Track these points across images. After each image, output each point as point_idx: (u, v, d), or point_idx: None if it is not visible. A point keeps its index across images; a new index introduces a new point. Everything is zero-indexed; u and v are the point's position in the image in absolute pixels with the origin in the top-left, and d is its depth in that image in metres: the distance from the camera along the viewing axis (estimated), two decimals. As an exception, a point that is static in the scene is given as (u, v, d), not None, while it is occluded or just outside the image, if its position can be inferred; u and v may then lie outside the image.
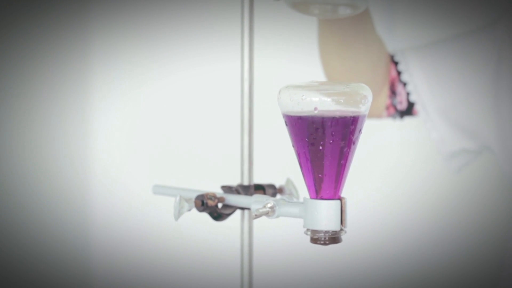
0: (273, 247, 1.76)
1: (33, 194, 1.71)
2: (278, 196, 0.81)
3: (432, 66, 1.13)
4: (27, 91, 1.70)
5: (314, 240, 0.69)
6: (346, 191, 0.70)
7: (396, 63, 1.14)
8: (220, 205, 0.78)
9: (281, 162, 1.46)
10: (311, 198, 0.69)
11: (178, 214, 0.76)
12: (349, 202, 0.69)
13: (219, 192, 0.79)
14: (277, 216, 0.71)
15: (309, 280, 1.85)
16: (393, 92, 1.14)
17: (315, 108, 0.66)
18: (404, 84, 1.14)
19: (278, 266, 1.81)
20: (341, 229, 0.68)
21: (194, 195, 0.77)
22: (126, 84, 1.82)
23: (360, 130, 0.68)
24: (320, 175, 0.68)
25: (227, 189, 0.79)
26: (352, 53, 1.05)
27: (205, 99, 1.82)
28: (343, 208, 0.68)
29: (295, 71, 1.76)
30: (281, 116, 0.69)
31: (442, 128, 1.14)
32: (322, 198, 0.68)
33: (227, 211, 0.78)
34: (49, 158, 1.74)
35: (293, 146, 0.69)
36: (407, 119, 1.18)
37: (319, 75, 1.15)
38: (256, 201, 0.73)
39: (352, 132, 0.67)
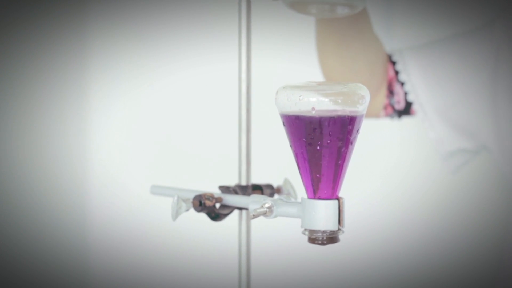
0: (271, 247, 1.76)
1: (31, 194, 1.71)
2: (276, 196, 0.81)
3: (430, 66, 1.13)
4: (26, 92, 1.70)
5: (312, 240, 0.69)
6: (343, 191, 0.70)
7: (394, 63, 1.14)
8: (218, 205, 0.78)
9: (279, 162, 1.46)
10: (309, 198, 0.69)
11: (176, 215, 0.75)
12: (346, 202, 0.69)
13: (217, 192, 0.79)
14: (275, 216, 0.71)
15: (307, 280, 1.85)
16: (391, 92, 1.14)
17: (313, 108, 0.66)
18: (402, 84, 1.14)
19: (276, 266, 1.81)
20: (339, 229, 0.68)
21: (192, 195, 0.77)
22: (124, 85, 1.82)
23: (357, 130, 0.68)
24: (317, 175, 0.68)
25: (225, 189, 0.79)
26: (350, 53, 1.05)
27: (203, 100, 1.82)
28: (340, 208, 0.68)
29: (293, 71, 1.76)
30: (279, 116, 0.69)
31: (440, 128, 1.14)
32: (319, 198, 0.68)
33: (225, 211, 0.78)
34: (48, 158, 1.74)
35: (290, 146, 0.69)
36: (405, 119, 1.18)
37: (317, 75, 1.15)
38: (254, 201, 0.73)
39: (349, 132, 0.67)
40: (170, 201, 0.76)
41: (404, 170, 1.83)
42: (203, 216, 0.79)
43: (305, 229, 0.69)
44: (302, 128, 0.67)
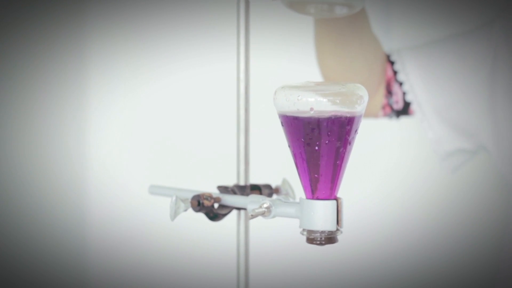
0: (269, 248, 1.76)
1: (30, 194, 1.71)
2: (274, 196, 0.81)
3: (428, 66, 1.13)
4: (25, 92, 1.69)
5: (310, 240, 0.69)
6: (342, 191, 0.70)
7: (392, 63, 1.14)
8: (216, 205, 0.78)
9: (277, 162, 1.46)
10: (307, 198, 0.69)
11: (174, 215, 0.75)
12: (345, 202, 0.69)
13: (215, 192, 0.79)
14: (273, 216, 0.71)
15: (305, 280, 1.85)
16: (389, 92, 1.14)
17: (311, 109, 0.66)
18: (400, 84, 1.14)
19: (275, 266, 1.81)
20: (337, 229, 0.68)
21: (190, 195, 0.77)
22: (123, 85, 1.82)
23: (356, 131, 0.68)
24: (316, 175, 0.68)
25: (223, 189, 0.79)
26: (349, 53, 1.05)
27: (201, 100, 1.82)
28: (339, 208, 0.68)
29: (291, 71, 1.76)
30: (277, 117, 0.69)
31: (438, 128, 1.14)
32: (318, 198, 0.68)
33: (223, 211, 0.78)
34: (47, 158, 1.74)
35: (289, 146, 0.69)
36: (403, 119, 1.18)
37: (315, 75, 1.15)
38: (252, 201, 0.73)
39: (348, 133, 0.67)
40: (169, 201, 0.76)
41: (403, 170, 1.83)
42: (201, 216, 0.79)
43: (304, 229, 0.69)
44: (301, 128, 0.67)
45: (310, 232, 0.68)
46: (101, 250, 1.83)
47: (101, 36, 1.79)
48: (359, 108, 0.67)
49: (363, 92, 0.67)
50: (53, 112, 1.75)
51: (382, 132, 1.77)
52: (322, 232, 0.68)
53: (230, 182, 0.82)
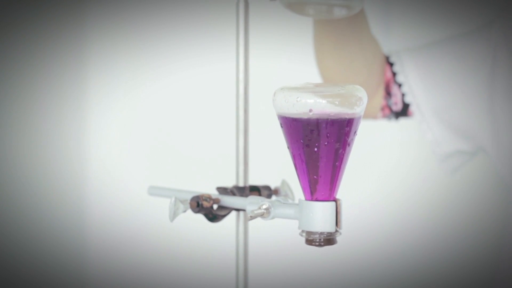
0: (268, 249, 1.76)
1: (30, 194, 1.71)
2: (273, 197, 0.81)
3: (427, 67, 1.13)
4: (25, 92, 1.69)
5: (309, 242, 0.69)
6: (341, 192, 0.70)
7: (391, 64, 1.14)
8: (215, 206, 0.78)
9: (276, 163, 1.46)
10: (306, 199, 0.69)
11: (173, 216, 0.75)
12: (344, 204, 0.69)
13: (214, 193, 0.79)
14: (272, 218, 0.71)
15: (304, 281, 1.85)
16: (388, 93, 1.14)
17: (310, 110, 0.66)
18: (399, 85, 1.14)
19: (274, 268, 1.81)
20: (336, 231, 0.68)
21: (189, 196, 0.77)
22: (122, 85, 1.82)
23: (355, 132, 0.68)
24: (315, 177, 0.68)
25: (222, 190, 0.79)
26: (348, 54, 1.05)
27: (200, 100, 1.82)
28: (338, 210, 0.68)
29: (291, 72, 1.76)
30: (276, 118, 0.69)
31: (437, 129, 1.14)
32: (317, 200, 0.68)
33: (222, 213, 0.78)
34: (46, 159, 1.74)
35: (288, 147, 0.69)
36: (402, 120, 1.18)
37: (314, 76, 1.15)
38: (251, 203, 0.73)
39: (347, 134, 0.67)
40: (168, 202, 0.76)
41: (402, 172, 1.83)
42: (200, 217, 0.79)
43: (303, 231, 0.69)
44: (300, 129, 0.67)
45: (309, 233, 0.68)
46: (100, 251, 1.83)
47: (101, 36, 1.79)
48: (358, 110, 0.67)
49: (362, 93, 0.67)
50: (53, 112, 1.75)
51: (381, 133, 1.77)
52: (321, 233, 0.68)
53: (229, 183, 0.82)
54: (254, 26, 0.85)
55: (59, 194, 1.76)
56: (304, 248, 0.72)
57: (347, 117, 0.66)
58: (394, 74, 1.14)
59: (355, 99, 0.66)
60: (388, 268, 1.85)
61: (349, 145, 0.68)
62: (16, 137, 1.69)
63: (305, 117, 0.66)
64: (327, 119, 0.66)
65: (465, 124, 1.13)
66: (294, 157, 0.68)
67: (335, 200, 0.68)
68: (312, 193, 0.68)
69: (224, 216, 0.78)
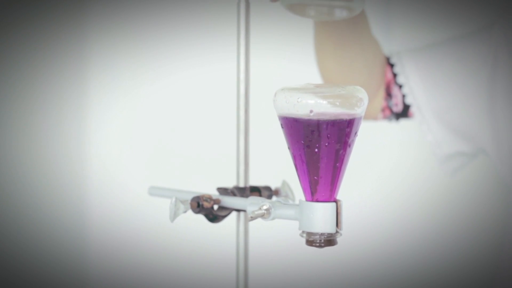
0: (268, 250, 1.76)
1: (30, 194, 1.71)
2: (274, 198, 0.81)
3: (428, 68, 1.13)
4: (25, 92, 1.69)
5: (310, 243, 0.69)
6: (341, 193, 0.70)
7: (392, 65, 1.14)
8: (215, 207, 0.78)
9: (276, 164, 1.46)
10: (307, 200, 0.69)
11: (174, 216, 0.75)
12: (344, 205, 0.69)
13: (214, 194, 0.79)
14: (273, 218, 0.71)
15: (304, 282, 1.85)
16: (388, 94, 1.14)
17: (311, 111, 0.66)
18: (400, 86, 1.14)
19: (274, 268, 1.80)
20: (337, 232, 0.68)
21: (189, 197, 0.77)
22: (123, 85, 1.81)
23: (355, 133, 0.68)
24: (315, 178, 0.68)
25: (223, 191, 0.79)
26: (348, 55, 1.05)
27: (201, 101, 1.82)
28: (338, 211, 0.68)
29: (291, 73, 1.76)
30: (277, 118, 0.69)
31: (438, 131, 1.14)
32: (317, 201, 0.68)
33: (222, 213, 0.78)
34: (46, 159, 1.74)
35: (288, 148, 0.69)
36: (403, 122, 1.18)
37: (315, 77, 1.15)
38: (251, 203, 0.73)
39: (347, 135, 0.67)
40: (168, 202, 0.76)
41: (402, 173, 1.83)
42: (201, 217, 0.79)
43: (303, 232, 0.69)
44: (300, 130, 0.67)
45: (309, 234, 0.68)
46: (100, 251, 1.83)
47: (101, 36, 1.79)
48: (358, 111, 0.67)
49: (363, 94, 0.67)
50: (54, 112, 1.75)
51: (381, 134, 1.77)
52: (322, 234, 0.68)
53: (230, 183, 0.82)
54: (255, 27, 0.85)
55: (59, 194, 1.76)
56: (304, 249, 0.72)
57: (348, 118, 0.66)
58: (394, 75, 1.14)
59: (355, 100, 0.66)
60: (389, 268, 1.85)
61: (349, 146, 0.68)
62: (17, 137, 1.70)
63: (306, 117, 0.66)
64: (328, 119, 0.66)
65: (466, 126, 1.13)
66: (294, 157, 0.68)
67: (335, 201, 0.68)
68: (312, 194, 0.68)
69: (224, 216, 0.78)
